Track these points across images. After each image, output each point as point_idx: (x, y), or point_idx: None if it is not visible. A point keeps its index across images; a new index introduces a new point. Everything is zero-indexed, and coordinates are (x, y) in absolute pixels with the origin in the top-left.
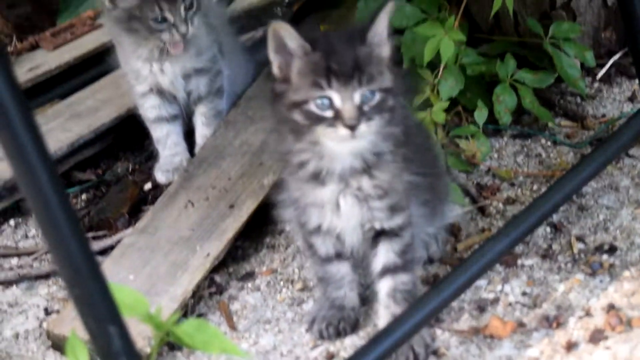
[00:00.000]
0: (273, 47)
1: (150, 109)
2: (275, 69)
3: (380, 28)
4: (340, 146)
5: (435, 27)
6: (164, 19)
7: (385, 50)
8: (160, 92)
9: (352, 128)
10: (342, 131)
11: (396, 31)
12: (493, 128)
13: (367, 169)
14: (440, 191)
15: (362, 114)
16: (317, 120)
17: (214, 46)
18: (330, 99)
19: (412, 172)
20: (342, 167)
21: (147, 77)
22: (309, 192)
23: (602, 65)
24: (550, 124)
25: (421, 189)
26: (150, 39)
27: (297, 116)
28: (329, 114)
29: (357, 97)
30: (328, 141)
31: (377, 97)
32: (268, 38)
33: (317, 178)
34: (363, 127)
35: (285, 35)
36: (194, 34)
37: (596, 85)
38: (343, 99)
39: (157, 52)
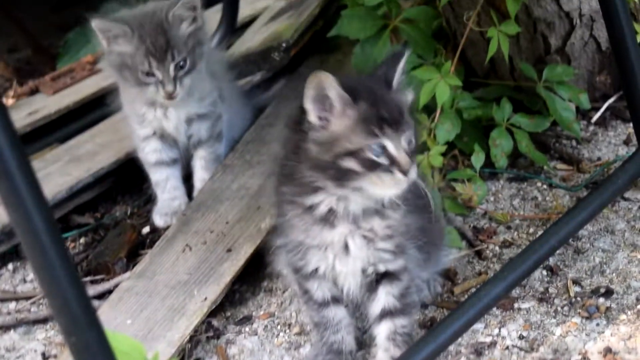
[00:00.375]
0: (312, 96)
1: (151, 152)
2: (313, 118)
3: (402, 75)
4: (390, 191)
5: (431, 71)
6: (153, 74)
7: (409, 96)
8: (162, 136)
9: (407, 173)
10: (399, 176)
11: None
12: (489, 171)
13: (380, 209)
14: (435, 236)
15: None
16: (373, 167)
17: (215, 91)
18: (384, 147)
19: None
20: (359, 208)
21: (152, 121)
22: (316, 234)
23: (597, 109)
24: (546, 167)
25: (416, 233)
26: (139, 89)
27: (351, 164)
28: (384, 160)
29: (404, 143)
30: (377, 187)
31: (414, 141)
32: (307, 87)
33: (328, 220)
34: (412, 171)
35: (328, 85)
36: (190, 89)
37: (591, 128)
38: (396, 145)
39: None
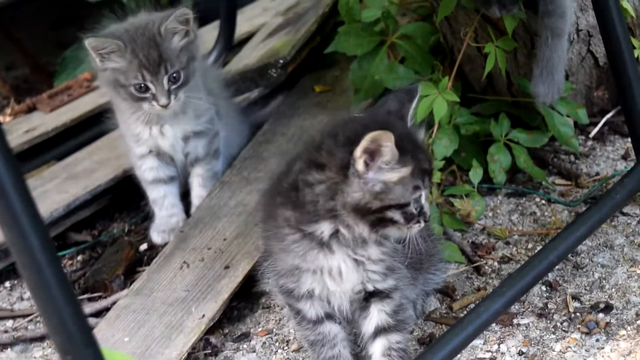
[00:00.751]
0: (365, 148)
1: (148, 170)
2: (360, 167)
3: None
4: (408, 235)
5: (429, 87)
6: (146, 88)
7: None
8: (159, 154)
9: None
10: (423, 224)
11: (389, 91)
12: (487, 187)
13: (379, 238)
14: (422, 256)
15: None
16: (412, 219)
17: (211, 109)
18: (419, 199)
19: None
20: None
21: (147, 140)
22: (313, 258)
23: (595, 124)
24: (544, 183)
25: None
26: (134, 106)
27: (397, 216)
28: (416, 211)
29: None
30: (402, 232)
31: None
32: (365, 139)
33: (327, 245)
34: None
35: (385, 142)
36: (184, 103)
37: (589, 143)
38: (426, 195)
39: (155, 115)
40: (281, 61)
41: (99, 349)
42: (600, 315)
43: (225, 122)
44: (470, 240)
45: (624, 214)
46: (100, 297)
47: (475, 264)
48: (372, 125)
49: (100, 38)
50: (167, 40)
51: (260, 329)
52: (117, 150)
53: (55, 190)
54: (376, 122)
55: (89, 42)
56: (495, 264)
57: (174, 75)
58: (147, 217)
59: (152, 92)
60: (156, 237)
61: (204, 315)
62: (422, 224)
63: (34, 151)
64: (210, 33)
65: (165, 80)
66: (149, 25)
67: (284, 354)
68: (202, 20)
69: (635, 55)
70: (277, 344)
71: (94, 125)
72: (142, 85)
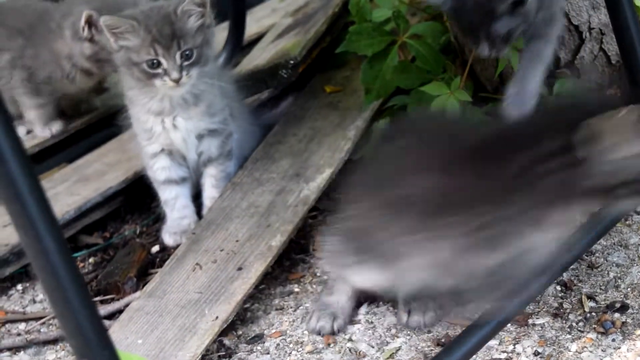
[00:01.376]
0: None
1: (160, 170)
2: None
3: None
4: None
5: (441, 87)
6: (158, 63)
7: None
8: (171, 152)
9: None
10: None
11: (401, 91)
12: None
13: None
14: None
15: None
16: None
17: (226, 109)
18: None
19: None
20: None
21: (160, 135)
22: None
23: None
24: None
25: None
26: (147, 85)
27: None
28: None
29: None
30: None
31: None
32: None
33: None
34: None
35: None
36: (199, 90)
37: None
38: None
39: (168, 101)
40: (291, 62)
41: (115, 352)
42: (616, 314)
43: (238, 124)
44: None
45: (638, 213)
46: (112, 300)
47: None
48: None
49: (114, 17)
50: (183, 20)
51: (273, 331)
52: (128, 152)
53: (66, 192)
54: None
55: (104, 20)
56: None
57: (187, 52)
58: (159, 218)
59: (164, 67)
60: (168, 239)
61: (217, 317)
62: None
63: (45, 153)
64: (220, 34)
65: (177, 56)
66: (165, 6)
67: (298, 355)
68: None
69: None
70: (290, 345)
71: (105, 128)
72: (155, 60)
